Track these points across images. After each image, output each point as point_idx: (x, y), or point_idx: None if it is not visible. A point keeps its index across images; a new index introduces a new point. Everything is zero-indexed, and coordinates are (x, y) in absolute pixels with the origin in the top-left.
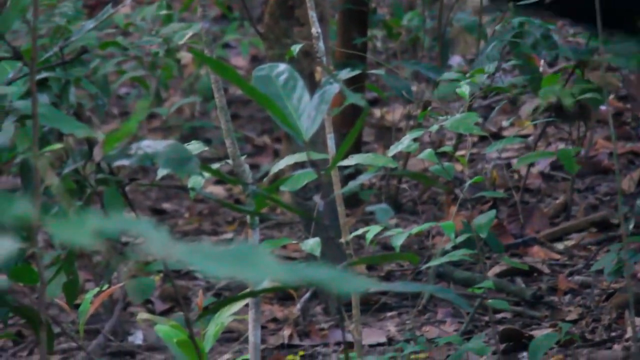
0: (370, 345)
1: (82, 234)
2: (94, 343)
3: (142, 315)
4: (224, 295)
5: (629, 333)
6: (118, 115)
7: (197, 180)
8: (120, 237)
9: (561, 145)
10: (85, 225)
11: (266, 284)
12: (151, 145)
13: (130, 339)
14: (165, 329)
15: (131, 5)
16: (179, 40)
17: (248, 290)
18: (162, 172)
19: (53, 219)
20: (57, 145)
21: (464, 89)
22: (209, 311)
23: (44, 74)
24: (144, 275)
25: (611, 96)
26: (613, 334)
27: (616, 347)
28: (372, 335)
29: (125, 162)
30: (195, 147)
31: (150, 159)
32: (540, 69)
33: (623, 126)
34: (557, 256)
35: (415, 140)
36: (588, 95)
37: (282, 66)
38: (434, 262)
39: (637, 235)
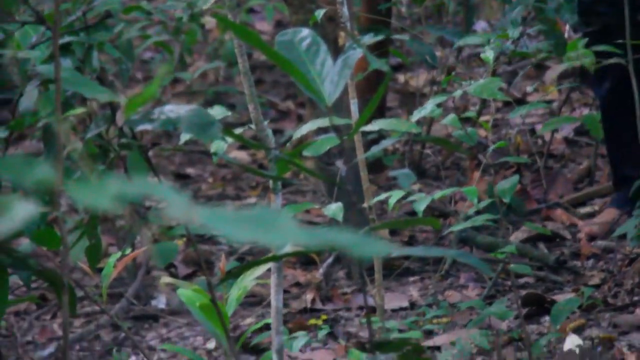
0: (393, 310)
1: (104, 198)
2: (117, 307)
3: (165, 279)
4: (247, 259)
5: None
6: (142, 80)
7: (220, 145)
8: (143, 201)
9: (585, 111)
10: (107, 190)
11: (289, 248)
12: (174, 109)
13: (153, 302)
14: (188, 293)
15: None
16: (203, 4)
17: (271, 254)
18: (185, 137)
19: (76, 183)
20: (80, 110)
21: (488, 54)
22: (232, 275)
23: (67, 39)
24: (167, 239)
25: None
26: (635, 298)
27: (638, 311)
28: (394, 300)
29: (148, 126)
30: (218, 112)
31: (173, 123)
32: (565, 35)
33: None
34: (581, 221)
35: (438, 105)
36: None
37: (306, 31)
38: (456, 227)
39: None
